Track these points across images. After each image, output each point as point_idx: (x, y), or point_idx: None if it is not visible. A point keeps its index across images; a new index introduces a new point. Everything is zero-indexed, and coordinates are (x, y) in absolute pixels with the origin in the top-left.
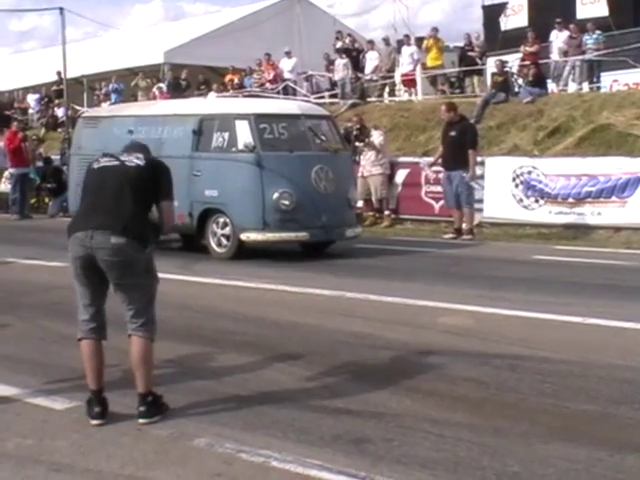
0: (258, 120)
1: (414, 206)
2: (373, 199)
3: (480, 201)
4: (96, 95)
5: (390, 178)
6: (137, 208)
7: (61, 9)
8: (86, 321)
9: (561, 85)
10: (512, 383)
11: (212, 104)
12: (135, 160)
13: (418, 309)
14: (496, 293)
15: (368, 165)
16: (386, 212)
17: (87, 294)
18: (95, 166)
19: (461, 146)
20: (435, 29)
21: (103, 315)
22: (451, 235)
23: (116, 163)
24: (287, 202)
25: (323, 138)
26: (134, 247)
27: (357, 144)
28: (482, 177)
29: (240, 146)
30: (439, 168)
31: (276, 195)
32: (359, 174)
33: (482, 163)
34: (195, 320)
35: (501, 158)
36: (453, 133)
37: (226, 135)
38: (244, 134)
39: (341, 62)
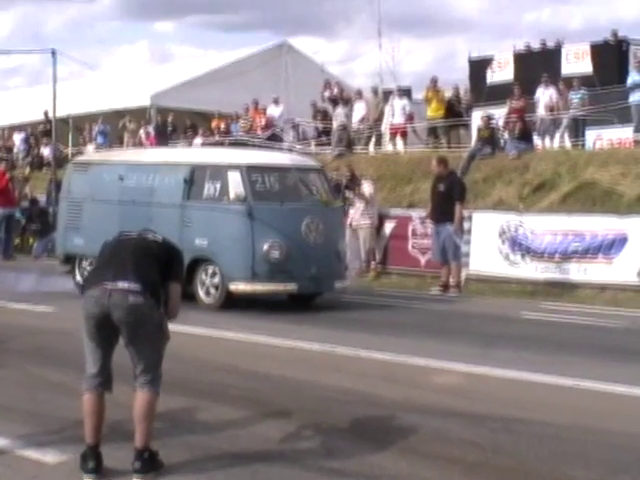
0: (250, 171)
1: (400, 258)
2: (361, 250)
3: (466, 255)
4: (82, 136)
5: (378, 229)
6: (153, 271)
7: (53, 51)
8: (94, 375)
9: (547, 140)
10: (508, 446)
11: (204, 153)
12: (152, 235)
13: (409, 366)
14: (487, 351)
15: (357, 216)
16: (372, 264)
17: (97, 350)
18: (111, 239)
19: (449, 200)
20: (434, 80)
21: (110, 369)
22: (438, 290)
23: (134, 235)
24: (277, 253)
25: (314, 190)
26: (150, 306)
27: (347, 194)
28: (468, 231)
29: (232, 196)
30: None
31: (266, 246)
32: (347, 224)
33: (469, 217)
34: (188, 372)
35: (488, 213)
36: (442, 187)
37: (218, 185)
38: (236, 185)
39: (342, 111)
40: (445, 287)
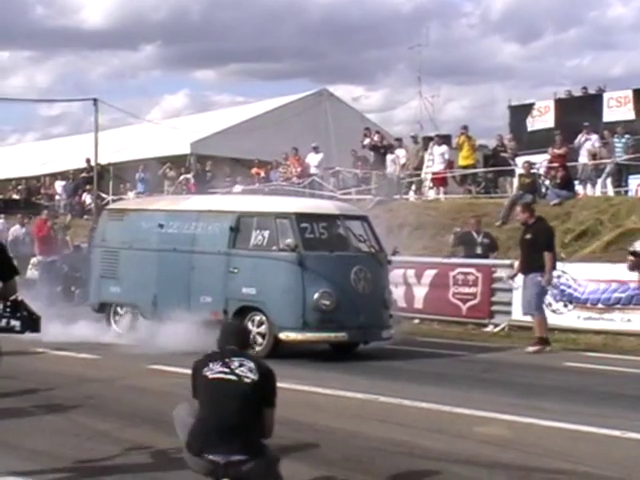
0: (299, 219)
1: (441, 307)
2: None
3: (509, 304)
4: (123, 183)
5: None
6: (257, 425)
7: (95, 100)
8: None
9: (589, 188)
10: None
11: (250, 201)
12: (249, 373)
13: (454, 416)
14: (531, 402)
15: None
16: None
17: None
18: (209, 375)
19: (537, 249)
20: (465, 127)
21: None
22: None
23: (232, 378)
24: (327, 302)
25: (360, 238)
26: (261, 465)
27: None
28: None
29: (281, 245)
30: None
31: (317, 295)
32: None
33: (510, 265)
34: None
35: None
36: (529, 236)
37: (266, 233)
38: (285, 233)
39: (390, 157)
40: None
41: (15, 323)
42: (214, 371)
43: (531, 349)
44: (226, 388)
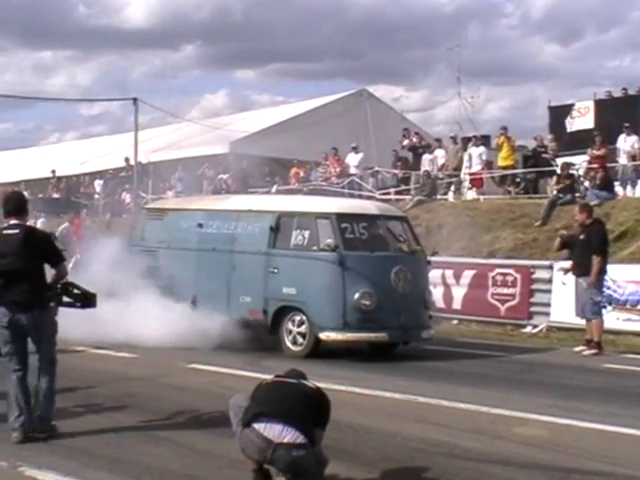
0: (340, 219)
1: (479, 307)
2: None
3: (548, 305)
4: (162, 183)
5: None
6: (312, 422)
7: (135, 99)
8: None
9: (628, 189)
10: None
11: (290, 201)
12: (310, 384)
13: (493, 417)
14: (570, 403)
15: None
16: None
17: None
18: (266, 382)
19: (588, 251)
20: (504, 128)
21: None
22: (581, 347)
23: (293, 381)
24: (368, 302)
25: (400, 238)
26: (310, 456)
27: None
28: (549, 281)
29: (322, 245)
30: None
31: (357, 295)
32: None
33: (549, 266)
34: None
35: (568, 262)
36: (582, 236)
37: (306, 233)
38: (326, 233)
39: (427, 157)
40: (589, 344)
41: (72, 300)
42: (271, 379)
43: (587, 353)
44: (286, 385)
